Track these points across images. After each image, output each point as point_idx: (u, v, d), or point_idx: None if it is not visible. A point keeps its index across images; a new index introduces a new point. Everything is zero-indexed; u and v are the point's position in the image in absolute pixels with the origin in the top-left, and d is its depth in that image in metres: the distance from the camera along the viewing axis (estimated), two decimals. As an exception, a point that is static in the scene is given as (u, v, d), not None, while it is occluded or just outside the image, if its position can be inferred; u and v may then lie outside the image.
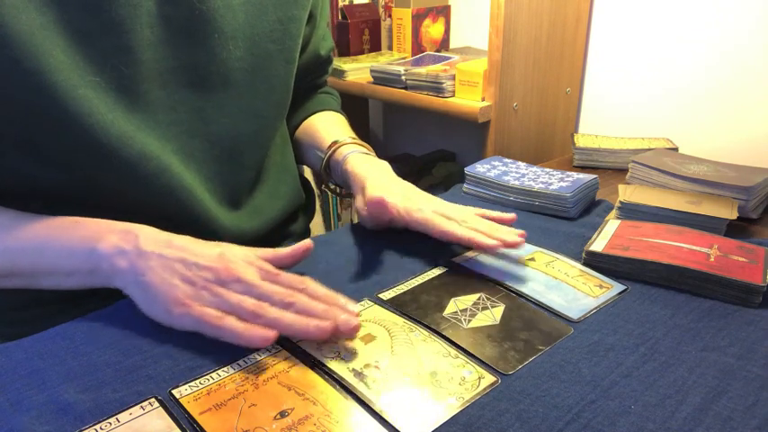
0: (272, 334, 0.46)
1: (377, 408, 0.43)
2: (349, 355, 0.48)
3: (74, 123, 0.51)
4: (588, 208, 0.79)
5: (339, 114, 0.87)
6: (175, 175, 0.59)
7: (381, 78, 1.21)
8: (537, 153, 1.20)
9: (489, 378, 0.46)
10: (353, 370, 0.46)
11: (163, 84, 0.58)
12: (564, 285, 0.59)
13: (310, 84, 0.87)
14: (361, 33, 1.41)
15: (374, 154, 0.76)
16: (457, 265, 0.63)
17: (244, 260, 0.52)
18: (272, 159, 0.74)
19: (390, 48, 1.42)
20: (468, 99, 1.09)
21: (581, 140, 1.03)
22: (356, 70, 1.28)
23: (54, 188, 0.56)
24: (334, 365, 0.47)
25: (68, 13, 0.51)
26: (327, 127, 0.81)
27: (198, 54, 0.59)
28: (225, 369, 0.46)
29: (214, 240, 0.61)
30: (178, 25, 0.57)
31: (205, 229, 0.62)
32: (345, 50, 1.40)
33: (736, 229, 0.71)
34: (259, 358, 0.48)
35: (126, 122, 0.55)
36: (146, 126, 0.57)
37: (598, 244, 0.64)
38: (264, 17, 0.63)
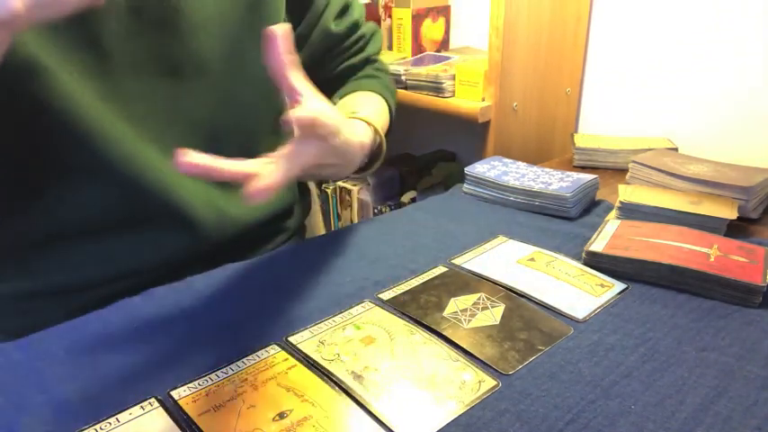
0: None
1: (375, 411, 0.42)
2: (348, 357, 0.48)
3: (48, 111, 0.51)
4: (588, 208, 0.79)
5: (374, 95, 0.78)
6: (152, 164, 0.59)
7: (381, 78, 1.21)
8: (537, 153, 1.20)
9: (489, 382, 0.45)
10: (353, 372, 0.46)
11: (136, 74, 0.57)
12: (566, 285, 0.59)
13: (343, 67, 0.80)
14: (361, 33, 1.41)
15: (378, 138, 0.68)
16: (457, 265, 0.63)
17: None
18: (261, 149, 0.72)
19: (390, 48, 1.42)
20: (468, 99, 1.09)
21: (581, 140, 1.03)
22: (356, 70, 1.28)
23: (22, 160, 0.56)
24: (333, 367, 0.47)
25: None
26: (351, 102, 0.74)
27: (169, 45, 0.59)
28: (224, 370, 0.46)
29: (201, 228, 0.62)
30: (148, 17, 0.57)
31: (185, 217, 0.62)
32: (345, 50, 1.40)
33: (736, 229, 0.70)
34: (258, 359, 0.48)
35: (99, 112, 0.55)
36: (121, 116, 0.56)
37: (598, 244, 0.64)
38: (235, 4, 0.63)
